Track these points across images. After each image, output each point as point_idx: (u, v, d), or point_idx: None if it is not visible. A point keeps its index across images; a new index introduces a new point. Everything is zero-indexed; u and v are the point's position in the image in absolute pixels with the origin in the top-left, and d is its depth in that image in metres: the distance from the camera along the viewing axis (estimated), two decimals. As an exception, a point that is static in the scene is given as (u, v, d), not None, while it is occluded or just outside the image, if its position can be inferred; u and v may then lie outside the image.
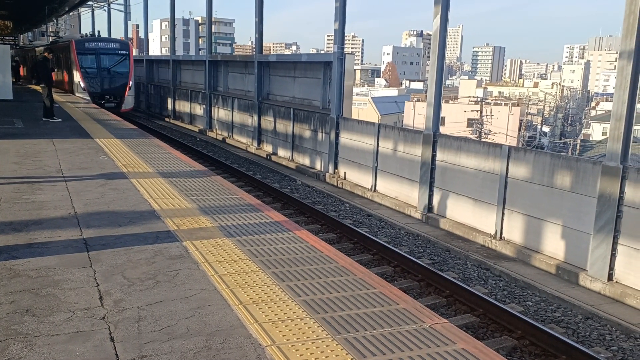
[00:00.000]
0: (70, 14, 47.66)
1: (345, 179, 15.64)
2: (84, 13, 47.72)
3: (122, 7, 37.11)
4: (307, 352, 3.61)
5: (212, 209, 6.97)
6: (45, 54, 16.81)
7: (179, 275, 4.81)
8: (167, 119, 31.18)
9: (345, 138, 15.67)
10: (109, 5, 39.43)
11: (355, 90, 59.50)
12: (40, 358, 3.43)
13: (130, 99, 28.12)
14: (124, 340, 3.68)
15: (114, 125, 15.64)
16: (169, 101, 31.28)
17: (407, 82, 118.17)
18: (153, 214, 6.67)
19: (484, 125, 50.09)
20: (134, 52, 30.39)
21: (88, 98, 25.74)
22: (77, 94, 27.06)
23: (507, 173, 10.51)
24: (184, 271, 4.91)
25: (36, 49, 36.32)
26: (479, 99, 60.18)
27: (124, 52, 27.74)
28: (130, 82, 27.59)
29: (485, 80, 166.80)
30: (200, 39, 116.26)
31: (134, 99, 29.61)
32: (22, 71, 38.12)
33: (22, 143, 11.71)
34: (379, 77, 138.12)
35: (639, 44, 8.39)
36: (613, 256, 8.62)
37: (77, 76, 26.93)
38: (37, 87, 17.87)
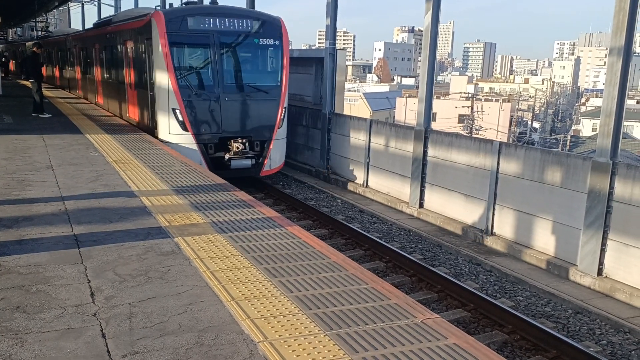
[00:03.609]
0: (60, 8, 47.26)
1: (337, 174, 15.64)
2: (74, 7, 47.33)
3: (112, 2, 36.79)
4: (299, 347, 3.62)
5: (203, 205, 6.96)
6: (35, 49, 16.69)
7: (171, 272, 4.80)
8: None
9: (337, 134, 15.67)
10: (99, -1, 39.09)
11: (347, 86, 59.49)
12: (31, 355, 3.42)
13: (280, 146, 13.91)
14: (116, 336, 3.66)
15: (104, 121, 15.54)
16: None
17: (399, 78, 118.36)
18: (144, 210, 6.64)
19: (475, 121, 50.24)
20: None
21: (193, 146, 12.62)
22: (165, 136, 12.80)
23: (497, 169, 10.55)
24: (176, 267, 4.90)
25: (69, 37, 24.81)
26: (470, 95, 60.33)
27: (273, 40, 13.48)
28: (283, 110, 13.65)
29: (476, 76, 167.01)
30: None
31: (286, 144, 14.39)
32: (11, 66, 37.74)
33: (12, 139, 11.61)
34: (371, 73, 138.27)
35: (628, 41, 8.44)
36: (603, 251, 8.69)
37: (166, 95, 12.56)
38: (27, 83, 17.70)
